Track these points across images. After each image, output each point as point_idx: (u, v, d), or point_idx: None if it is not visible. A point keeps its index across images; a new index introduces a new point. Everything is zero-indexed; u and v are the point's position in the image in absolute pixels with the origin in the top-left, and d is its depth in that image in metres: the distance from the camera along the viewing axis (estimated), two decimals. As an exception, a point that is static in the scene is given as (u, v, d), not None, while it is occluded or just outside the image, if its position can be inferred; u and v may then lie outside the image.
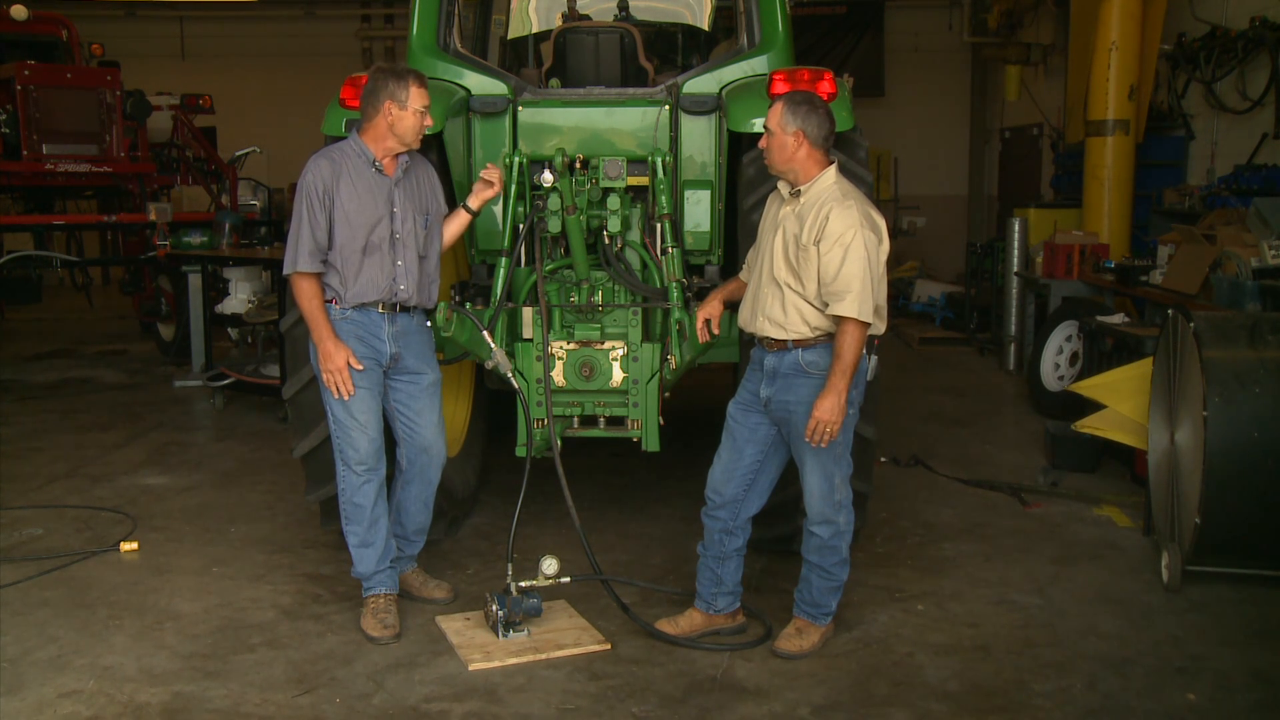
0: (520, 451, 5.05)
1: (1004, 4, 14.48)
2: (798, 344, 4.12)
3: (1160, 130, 10.62)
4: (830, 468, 4.15)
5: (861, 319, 3.95)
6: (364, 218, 4.36)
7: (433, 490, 4.80)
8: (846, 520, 4.24)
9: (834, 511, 4.19)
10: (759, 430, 4.30)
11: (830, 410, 3.97)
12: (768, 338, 4.18)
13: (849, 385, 4.00)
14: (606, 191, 5.06)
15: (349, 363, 4.34)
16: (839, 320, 3.99)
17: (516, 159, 5.18)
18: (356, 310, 4.40)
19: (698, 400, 7.85)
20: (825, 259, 3.99)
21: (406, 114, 4.36)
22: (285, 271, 4.39)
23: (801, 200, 4.12)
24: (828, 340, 4.09)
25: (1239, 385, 4.70)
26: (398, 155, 4.46)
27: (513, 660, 4.23)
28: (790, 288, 4.09)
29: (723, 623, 4.50)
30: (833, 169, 4.16)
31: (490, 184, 4.73)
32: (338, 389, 4.35)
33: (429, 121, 4.46)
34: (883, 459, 6.88)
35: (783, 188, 4.23)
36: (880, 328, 4.12)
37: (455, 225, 4.78)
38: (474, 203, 4.77)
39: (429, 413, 4.64)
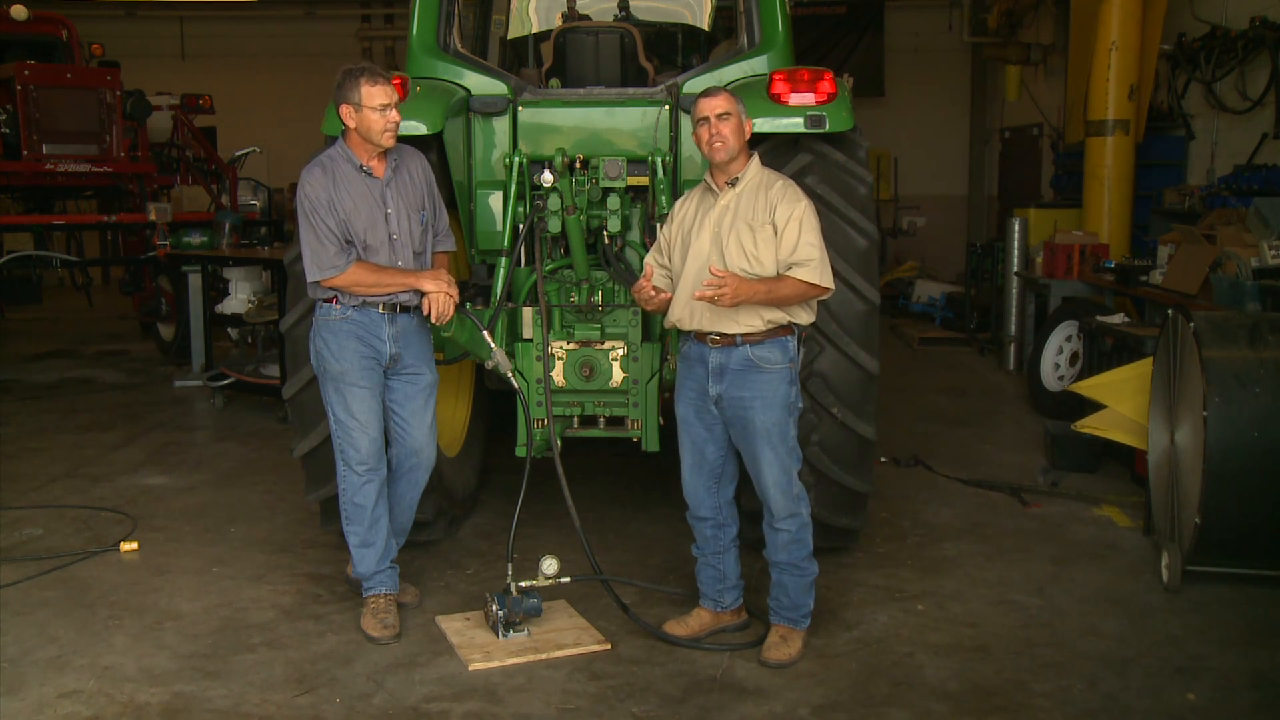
0: (520, 451, 5.05)
1: (1004, 4, 14.47)
2: (746, 339, 4.12)
3: (1160, 130, 10.62)
4: (786, 460, 4.17)
5: (825, 285, 4.06)
6: (360, 222, 4.33)
7: (418, 493, 4.78)
8: (807, 510, 4.26)
9: (795, 504, 4.21)
10: (715, 430, 4.29)
11: (737, 285, 3.92)
12: (713, 333, 4.16)
13: (760, 300, 4.01)
14: (606, 191, 5.07)
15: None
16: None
17: (516, 159, 5.19)
18: (356, 310, 4.39)
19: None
20: (784, 233, 4.05)
21: (365, 113, 4.25)
22: (328, 282, 4.29)
23: (738, 189, 4.16)
24: (778, 334, 4.12)
25: (1239, 385, 4.70)
26: (385, 154, 4.41)
27: (513, 660, 4.23)
28: (748, 274, 4.06)
29: (730, 620, 4.50)
30: (756, 155, 4.30)
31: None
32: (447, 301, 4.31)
33: (396, 116, 4.29)
34: (883, 459, 6.88)
35: (713, 180, 4.22)
36: (807, 319, 4.19)
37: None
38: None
39: (423, 414, 4.62)
